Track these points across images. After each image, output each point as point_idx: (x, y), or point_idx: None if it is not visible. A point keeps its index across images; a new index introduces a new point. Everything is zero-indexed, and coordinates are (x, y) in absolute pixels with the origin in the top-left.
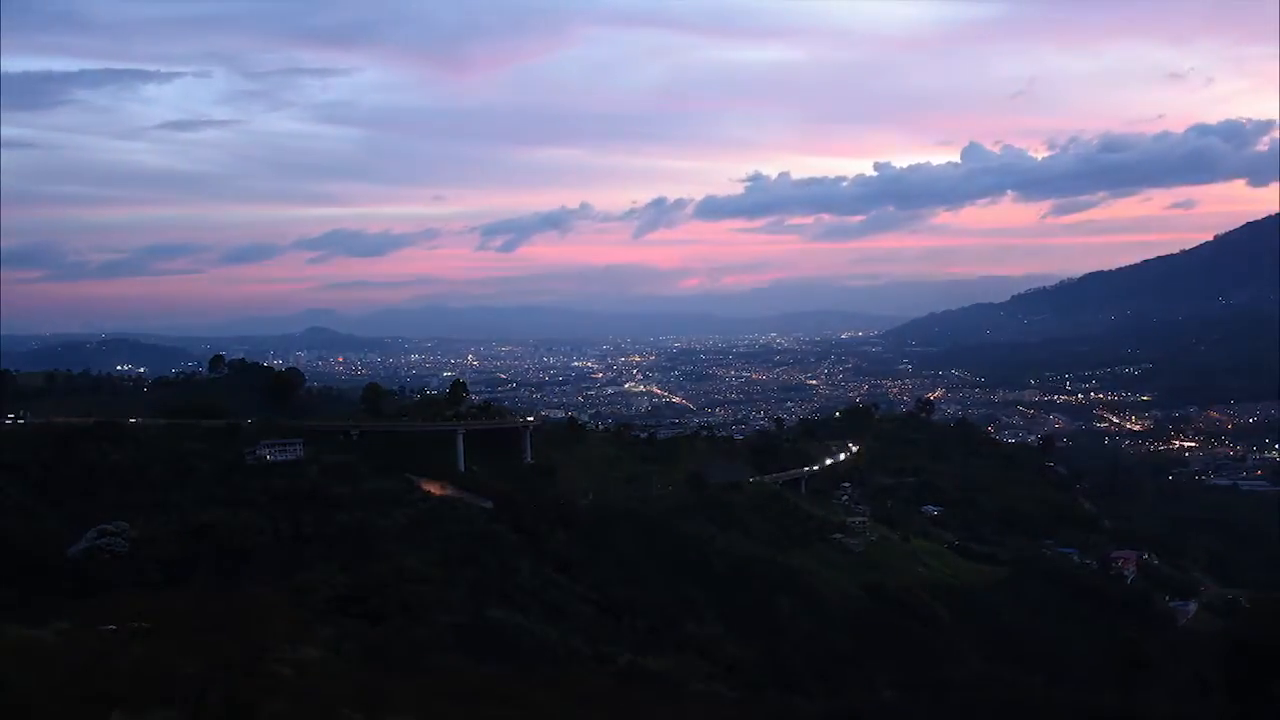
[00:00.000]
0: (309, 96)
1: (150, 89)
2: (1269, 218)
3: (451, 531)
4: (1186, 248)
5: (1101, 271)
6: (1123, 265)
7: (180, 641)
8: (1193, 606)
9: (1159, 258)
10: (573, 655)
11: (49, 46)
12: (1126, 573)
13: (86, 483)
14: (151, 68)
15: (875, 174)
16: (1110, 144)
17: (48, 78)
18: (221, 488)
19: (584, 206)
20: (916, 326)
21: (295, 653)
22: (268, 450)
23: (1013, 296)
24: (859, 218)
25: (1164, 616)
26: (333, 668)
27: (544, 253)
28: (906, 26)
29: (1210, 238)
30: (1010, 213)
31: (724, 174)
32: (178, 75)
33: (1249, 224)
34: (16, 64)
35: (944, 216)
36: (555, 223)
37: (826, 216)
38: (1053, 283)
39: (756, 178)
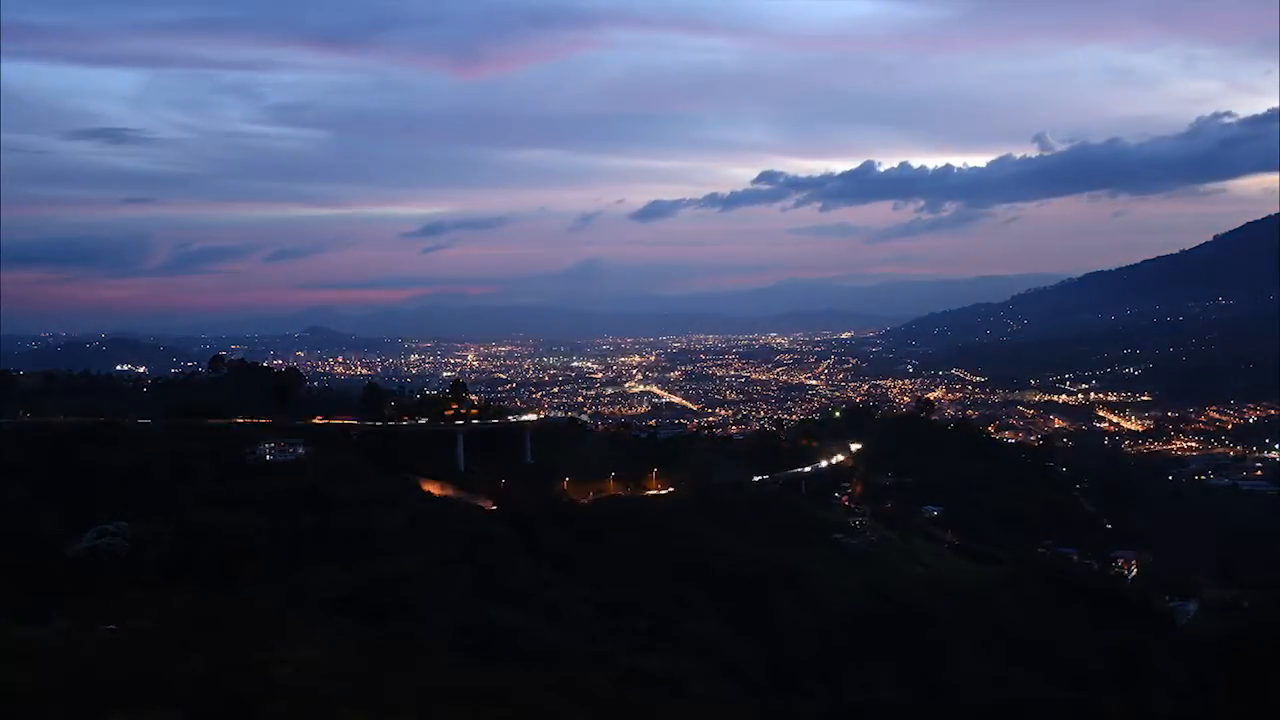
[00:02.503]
0: (301, 97)
1: (140, 90)
2: (1269, 217)
3: (451, 531)
4: (1186, 247)
5: (1101, 271)
6: (1123, 265)
7: (180, 641)
8: (1193, 606)
9: (1159, 257)
10: (573, 655)
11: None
12: (1126, 573)
13: (86, 483)
14: (137, 67)
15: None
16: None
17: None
18: (221, 488)
19: (588, 206)
20: (916, 326)
21: (295, 653)
22: (268, 450)
23: (1013, 296)
24: (932, 214)
25: (1164, 616)
26: (333, 668)
27: (544, 253)
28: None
29: (1210, 238)
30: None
31: (717, 174)
32: (166, 75)
33: (1249, 224)
34: None
35: (1011, 211)
36: (556, 223)
37: (911, 210)
38: (1053, 283)
39: (864, 166)
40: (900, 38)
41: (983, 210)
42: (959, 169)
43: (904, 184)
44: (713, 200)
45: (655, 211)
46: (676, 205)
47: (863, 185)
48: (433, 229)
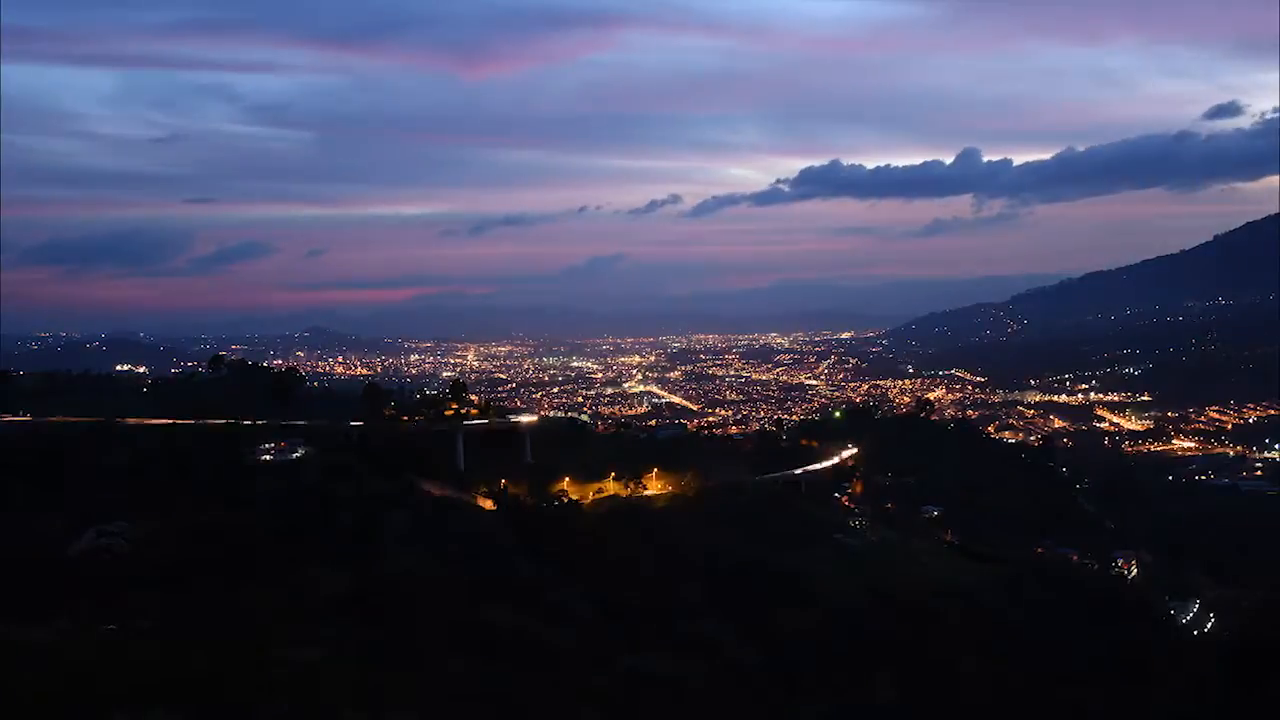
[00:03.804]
0: (300, 98)
1: (141, 91)
2: (1269, 218)
3: (451, 531)
4: (1186, 247)
5: (1101, 271)
6: (1123, 265)
7: (180, 641)
8: (1193, 606)
9: (1159, 257)
10: (573, 655)
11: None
12: (1126, 573)
13: (86, 483)
14: (139, 68)
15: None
16: None
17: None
18: (221, 488)
19: (587, 207)
20: (916, 326)
21: (295, 653)
22: (268, 450)
23: (1013, 296)
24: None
25: (1164, 616)
26: (333, 668)
27: (544, 252)
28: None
29: (1210, 238)
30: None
31: (716, 175)
32: (168, 76)
33: (1249, 224)
34: None
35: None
36: (557, 223)
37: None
38: (1053, 283)
39: (930, 161)
40: (914, 37)
41: (1023, 209)
42: (1018, 164)
43: (901, 185)
44: (731, 200)
45: (656, 211)
46: (671, 204)
47: (855, 185)
48: (434, 229)
